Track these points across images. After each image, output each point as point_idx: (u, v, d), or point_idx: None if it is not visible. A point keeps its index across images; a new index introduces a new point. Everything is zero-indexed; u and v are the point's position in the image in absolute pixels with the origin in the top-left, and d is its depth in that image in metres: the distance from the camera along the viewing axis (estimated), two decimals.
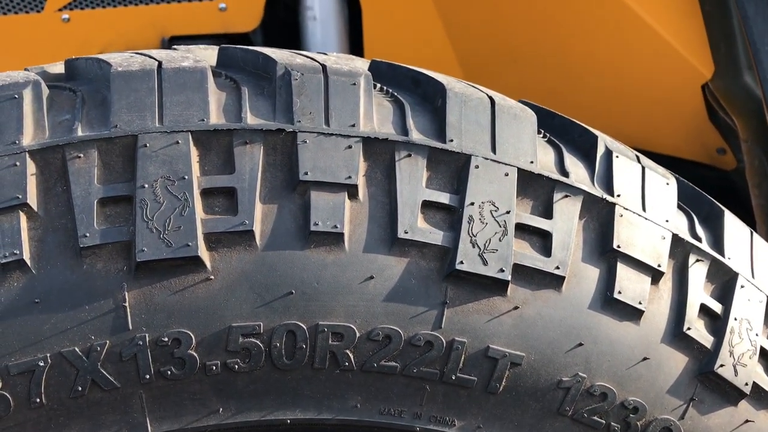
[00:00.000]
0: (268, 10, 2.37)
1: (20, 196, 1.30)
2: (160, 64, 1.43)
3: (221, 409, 1.35)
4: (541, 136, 1.57)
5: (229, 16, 2.34)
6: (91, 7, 2.30)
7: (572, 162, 1.54)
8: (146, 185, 1.33)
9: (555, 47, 2.43)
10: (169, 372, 1.32)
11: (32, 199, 1.31)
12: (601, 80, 2.46)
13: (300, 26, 2.43)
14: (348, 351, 1.37)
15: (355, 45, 2.46)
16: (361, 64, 1.57)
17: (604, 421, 1.45)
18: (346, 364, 1.37)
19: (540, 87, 2.48)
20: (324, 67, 1.49)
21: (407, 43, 2.44)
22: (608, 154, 1.54)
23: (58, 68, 1.58)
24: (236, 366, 1.34)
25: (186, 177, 1.34)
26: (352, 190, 1.40)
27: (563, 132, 1.62)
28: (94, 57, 1.50)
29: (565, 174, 1.50)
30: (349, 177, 1.39)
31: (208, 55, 1.59)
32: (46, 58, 2.33)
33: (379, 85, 1.53)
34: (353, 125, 1.43)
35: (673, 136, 2.50)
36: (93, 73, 1.48)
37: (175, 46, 1.60)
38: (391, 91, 1.55)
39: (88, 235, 1.30)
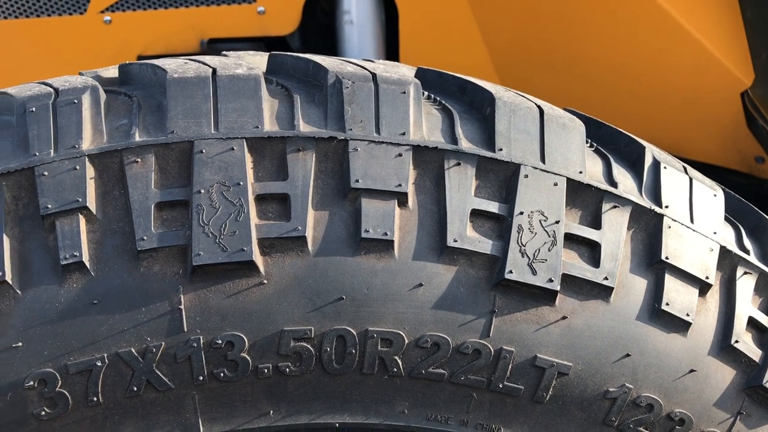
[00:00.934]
0: (306, 14, 2.39)
1: (80, 200, 1.33)
2: (214, 71, 1.46)
3: (272, 412, 1.37)
4: (588, 145, 1.57)
5: (267, 20, 2.36)
6: (132, 9, 2.33)
7: (620, 172, 1.54)
8: (202, 190, 1.35)
9: (593, 53, 2.43)
10: (221, 374, 1.34)
11: (91, 203, 1.34)
12: (639, 87, 2.45)
13: (337, 30, 2.44)
14: (396, 357, 1.38)
15: (390, 49, 2.48)
16: (408, 72, 1.58)
17: None
18: (395, 369, 1.39)
19: (576, 93, 2.48)
20: (374, 75, 1.50)
21: (443, 47, 2.44)
22: (656, 164, 1.55)
23: (111, 72, 1.60)
24: (287, 369, 1.36)
25: (241, 183, 1.36)
26: (402, 198, 1.41)
27: (610, 142, 1.62)
28: (148, 63, 1.53)
29: (614, 184, 1.51)
30: (400, 185, 1.41)
31: (257, 61, 1.61)
32: (87, 59, 2.36)
33: (426, 93, 1.54)
34: (403, 133, 1.44)
35: (711, 143, 2.48)
36: (147, 79, 1.50)
37: (225, 53, 1.62)
38: (438, 99, 1.56)
39: (145, 238, 1.33)
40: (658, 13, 2.28)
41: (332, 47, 2.47)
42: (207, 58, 1.55)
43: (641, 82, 2.45)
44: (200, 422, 1.35)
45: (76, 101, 1.40)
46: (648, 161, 1.55)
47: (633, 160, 1.59)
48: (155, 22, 2.34)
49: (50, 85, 1.46)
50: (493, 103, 1.51)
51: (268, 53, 1.61)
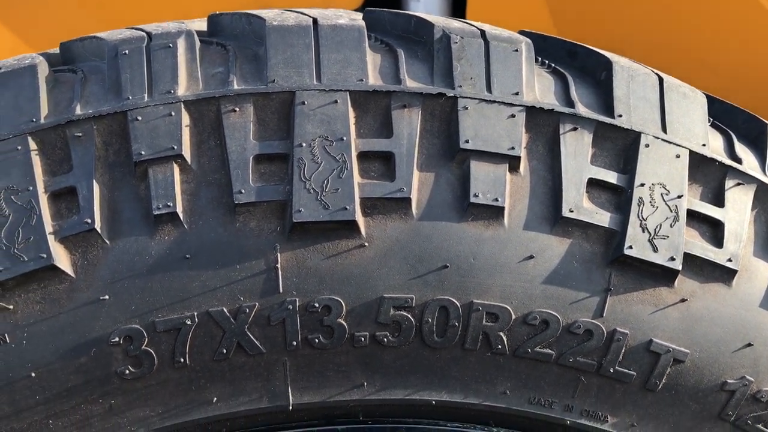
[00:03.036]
0: None
1: (175, 147, 1.25)
2: (315, 20, 1.37)
3: (365, 384, 1.28)
4: None
5: None
6: None
7: (742, 149, 1.43)
8: (304, 144, 1.26)
9: (669, 40, 2.31)
10: (316, 340, 1.25)
11: (186, 151, 1.26)
12: (716, 78, 2.33)
13: (401, 4, 2.35)
14: (502, 333, 1.28)
15: None
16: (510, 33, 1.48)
17: None
18: (499, 347, 1.29)
19: None
20: (483, 32, 1.41)
21: (512, 20, 2.34)
22: None
23: (198, 24, 1.53)
24: (385, 339, 1.26)
25: (344, 138, 1.28)
26: (514, 162, 1.31)
27: (726, 118, 1.51)
28: (241, 12, 1.44)
29: (738, 161, 1.39)
30: (512, 148, 1.31)
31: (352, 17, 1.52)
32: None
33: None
34: (516, 93, 1.34)
35: None
36: (240, 29, 1.42)
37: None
38: (547, 62, 1.46)
39: (243, 191, 1.24)
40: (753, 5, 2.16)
41: None
42: (304, 9, 1.47)
43: (718, 73, 2.33)
44: (290, 391, 1.27)
45: (171, 45, 1.32)
46: None
47: (754, 137, 1.47)
48: None
49: (142, 30, 1.38)
50: (610, 67, 1.40)
51: (360, 11, 1.53)
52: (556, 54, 1.49)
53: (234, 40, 1.40)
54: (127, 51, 1.32)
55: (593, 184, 1.33)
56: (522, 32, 1.52)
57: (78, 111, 1.27)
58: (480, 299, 1.27)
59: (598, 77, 1.42)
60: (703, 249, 1.33)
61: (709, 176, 1.37)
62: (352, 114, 1.30)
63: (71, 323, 1.20)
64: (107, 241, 1.22)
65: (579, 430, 1.33)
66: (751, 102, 2.33)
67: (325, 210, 1.24)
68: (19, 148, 1.24)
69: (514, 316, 1.28)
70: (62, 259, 1.21)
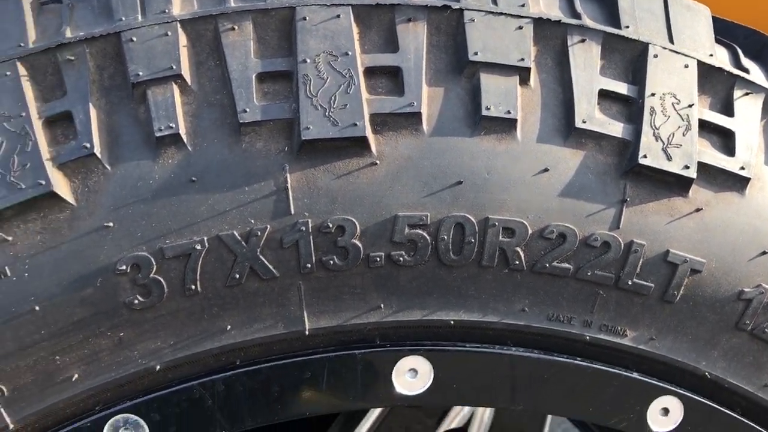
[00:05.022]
0: None
1: (174, 67, 1.19)
2: None
3: (382, 306, 1.24)
4: None
5: None
6: None
7: (747, 61, 1.41)
8: (308, 60, 1.21)
9: None
10: (331, 262, 1.21)
11: (186, 72, 1.20)
12: None
13: None
14: (518, 249, 1.25)
15: None
16: None
17: None
18: (516, 263, 1.26)
19: None
20: None
21: None
22: None
23: None
24: (401, 259, 1.23)
25: (349, 53, 1.23)
26: (524, 74, 1.27)
27: (727, 34, 1.48)
28: None
29: (745, 70, 1.37)
30: (522, 59, 1.27)
31: None
32: None
33: None
34: (522, 5, 1.30)
35: None
36: None
37: None
38: None
39: (247, 110, 1.19)
40: None
41: None
42: None
43: None
44: (305, 316, 1.22)
45: None
46: None
47: (757, 50, 1.45)
48: None
49: None
50: None
51: None
52: None
53: None
54: None
55: (604, 95, 1.30)
56: None
57: (68, 34, 1.20)
58: (495, 214, 1.24)
59: None
60: (716, 158, 1.30)
61: (718, 86, 1.35)
62: (355, 29, 1.25)
63: (74, 253, 1.15)
64: (108, 167, 1.16)
65: (598, 346, 1.30)
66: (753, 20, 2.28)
67: (334, 126, 1.19)
68: (8, 74, 1.17)
69: (530, 231, 1.25)
70: (61, 186, 1.15)
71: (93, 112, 1.17)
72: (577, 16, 1.33)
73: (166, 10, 1.22)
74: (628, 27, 1.33)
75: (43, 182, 1.13)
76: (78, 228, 1.15)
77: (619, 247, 1.27)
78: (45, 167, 1.14)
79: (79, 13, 1.25)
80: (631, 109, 1.30)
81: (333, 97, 1.21)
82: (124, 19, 1.21)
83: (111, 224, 1.15)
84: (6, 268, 1.13)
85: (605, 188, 1.28)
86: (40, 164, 1.14)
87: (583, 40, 1.31)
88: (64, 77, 1.19)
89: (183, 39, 1.21)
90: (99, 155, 1.16)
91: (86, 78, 1.19)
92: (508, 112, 1.25)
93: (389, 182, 1.22)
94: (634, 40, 1.32)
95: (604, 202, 1.27)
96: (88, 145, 1.16)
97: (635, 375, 1.31)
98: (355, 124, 1.20)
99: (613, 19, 1.35)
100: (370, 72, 1.24)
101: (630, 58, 1.32)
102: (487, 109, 1.24)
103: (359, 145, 1.20)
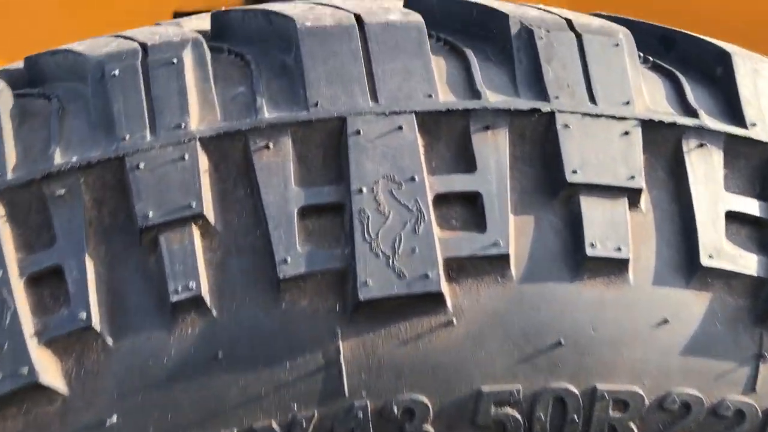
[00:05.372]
0: None
1: (193, 204, 0.93)
2: (358, 18, 1.05)
3: None
4: None
5: None
6: None
7: None
8: (364, 189, 0.95)
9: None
10: None
11: (208, 209, 0.94)
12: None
13: None
14: (632, 423, 0.99)
15: None
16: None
17: None
18: None
19: None
20: (569, 21, 1.10)
21: None
22: None
23: (197, 24, 1.19)
24: None
25: (416, 177, 0.96)
26: (634, 197, 1.01)
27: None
28: (257, 9, 1.12)
29: None
30: (632, 177, 1.01)
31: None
32: (119, 16, 1.98)
33: None
34: (627, 103, 1.04)
35: None
36: (256, 30, 1.09)
37: None
38: (642, 55, 1.16)
39: (289, 260, 0.93)
40: None
41: None
42: (335, 1, 1.14)
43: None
44: None
45: (174, 60, 1.00)
46: None
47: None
48: None
49: (133, 39, 1.05)
50: (728, 60, 1.11)
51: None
52: (647, 42, 1.19)
53: (250, 46, 1.08)
54: (117, 71, 0.99)
55: (731, 217, 1.04)
56: (595, 15, 1.22)
57: (58, 159, 0.94)
58: (605, 383, 0.98)
59: (713, 73, 1.12)
60: None
61: None
62: (420, 143, 0.99)
63: None
64: (110, 342, 0.90)
65: None
66: None
67: (400, 280, 0.93)
68: None
69: (647, 402, 0.99)
70: (50, 371, 0.89)
71: (90, 266, 0.91)
72: (693, 113, 1.06)
73: (182, 124, 0.96)
74: (755, 125, 1.07)
75: (26, 370, 0.88)
76: (72, 424, 0.89)
77: (755, 417, 1.01)
78: (27, 348, 0.88)
79: (70, 122, 0.99)
80: (762, 234, 1.04)
81: (397, 239, 0.94)
82: (128, 137, 0.95)
83: (114, 419, 0.89)
84: None
85: (737, 340, 1.02)
86: (21, 344, 0.88)
87: (701, 145, 1.04)
88: (53, 218, 0.93)
89: (204, 163, 0.95)
90: (98, 329, 0.90)
91: (80, 218, 0.93)
92: (619, 249, 0.99)
93: (470, 347, 0.96)
94: (765, 143, 1.06)
95: (735, 359, 1.01)
96: (83, 315, 0.90)
97: None
98: (427, 276, 0.94)
99: (734, 112, 1.08)
100: (442, 200, 0.98)
101: (756, 165, 1.06)
102: (593, 246, 0.98)
103: (432, 300, 0.94)
